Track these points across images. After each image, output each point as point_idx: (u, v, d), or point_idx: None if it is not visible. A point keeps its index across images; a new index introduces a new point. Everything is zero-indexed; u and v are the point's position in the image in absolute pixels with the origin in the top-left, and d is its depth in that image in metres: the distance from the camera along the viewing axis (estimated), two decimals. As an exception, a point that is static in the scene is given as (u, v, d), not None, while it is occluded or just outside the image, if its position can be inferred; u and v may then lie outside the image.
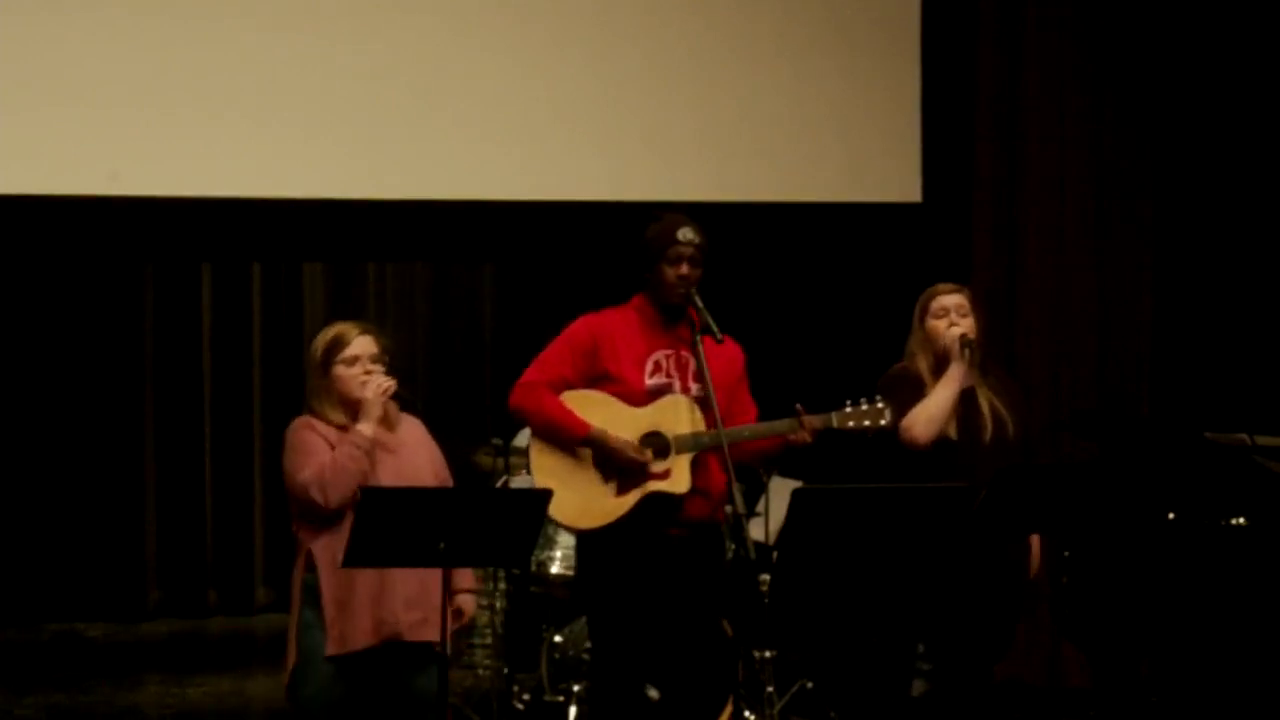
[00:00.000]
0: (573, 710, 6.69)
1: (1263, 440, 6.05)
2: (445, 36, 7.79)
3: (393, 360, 5.41)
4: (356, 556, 5.06)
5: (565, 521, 5.61)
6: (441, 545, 5.05)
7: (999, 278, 8.21)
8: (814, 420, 5.50)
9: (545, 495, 5.30)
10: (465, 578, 5.44)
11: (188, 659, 9.05)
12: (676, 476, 5.50)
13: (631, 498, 5.49)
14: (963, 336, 5.79)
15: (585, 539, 5.60)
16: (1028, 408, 6.07)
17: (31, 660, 9.07)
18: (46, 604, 9.93)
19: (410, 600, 5.23)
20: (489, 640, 7.26)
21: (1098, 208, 8.26)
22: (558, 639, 6.89)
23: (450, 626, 5.28)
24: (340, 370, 5.29)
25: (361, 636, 5.19)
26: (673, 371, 5.58)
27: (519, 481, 7.04)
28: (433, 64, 7.76)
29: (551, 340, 5.63)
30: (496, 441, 7.28)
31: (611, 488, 5.51)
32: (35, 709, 7.86)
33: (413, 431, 5.47)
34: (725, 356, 5.65)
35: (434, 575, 5.17)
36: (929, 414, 5.74)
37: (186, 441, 10.33)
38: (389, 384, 5.29)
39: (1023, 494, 5.52)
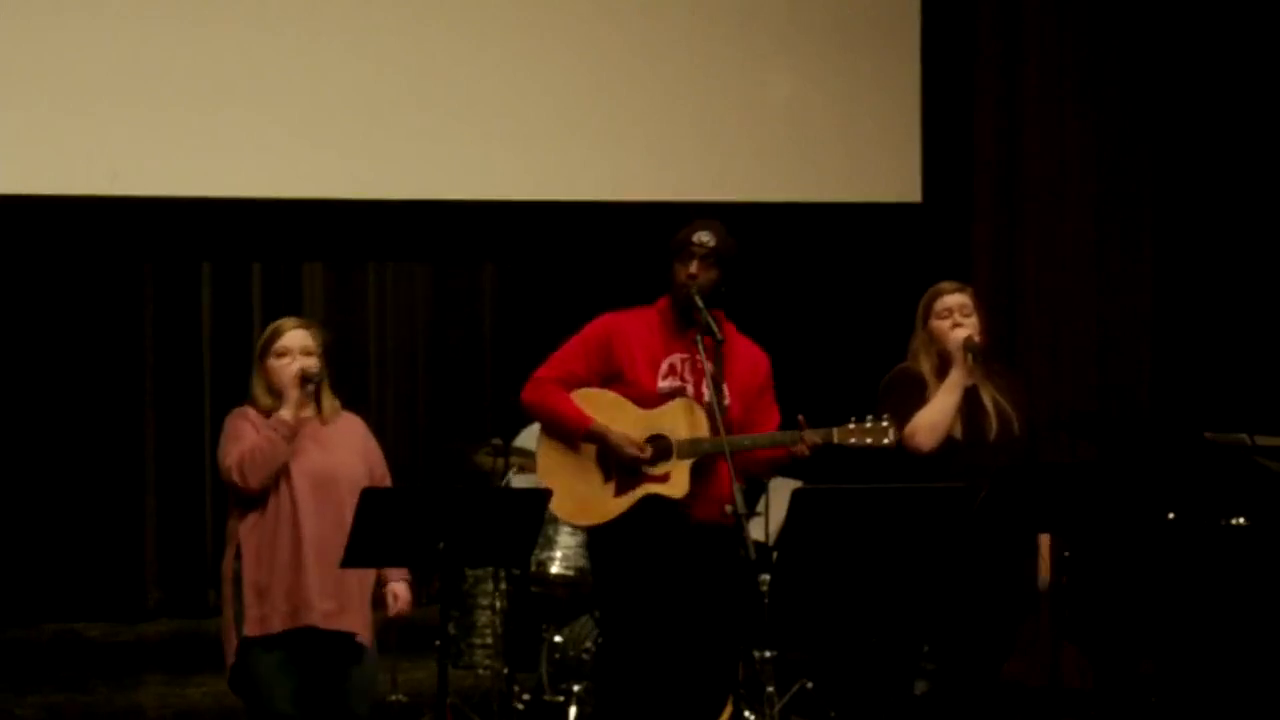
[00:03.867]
0: (573, 710, 6.68)
1: (1263, 440, 6.05)
2: (445, 37, 7.79)
3: (330, 354, 5.51)
4: (356, 556, 5.11)
5: (562, 516, 5.72)
6: (441, 545, 5.10)
7: (999, 277, 8.21)
8: (814, 435, 5.42)
9: (545, 495, 5.34)
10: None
11: (188, 659, 9.02)
12: (675, 480, 5.48)
13: (629, 498, 5.49)
14: (967, 340, 5.74)
15: (597, 536, 5.61)
16: (1031, 402, 6.05)
17: (31, 660, 9.05)
18: (46, 604, 9.91)
19: (324, 590, 5.30)
20: (489, 640, 7.24)
21: (1098, 208, 8.26)
22: (558, 639, 6.89)
23: (384, 613, 5.45)
24: (271, 361, 5.44)
25: (278, 619, 5.29)
26: (687, 376, 5.56)
27: (519, 480, 7.04)
28: (433, 64, 7.76)
29: (567, 337, 5.65)
30: (496, 441, 7.28)
31: (611, 487, 5.51)
32: (35, 709, 7.84)
33: (351, 427, 5.54)
34: (749, 363, 5.64)
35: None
36: (931, 421, 5.71)
37: (186, 441, 10.31)
38: (298, 366, 5.39)
39: (1023, 494, 5.52)
